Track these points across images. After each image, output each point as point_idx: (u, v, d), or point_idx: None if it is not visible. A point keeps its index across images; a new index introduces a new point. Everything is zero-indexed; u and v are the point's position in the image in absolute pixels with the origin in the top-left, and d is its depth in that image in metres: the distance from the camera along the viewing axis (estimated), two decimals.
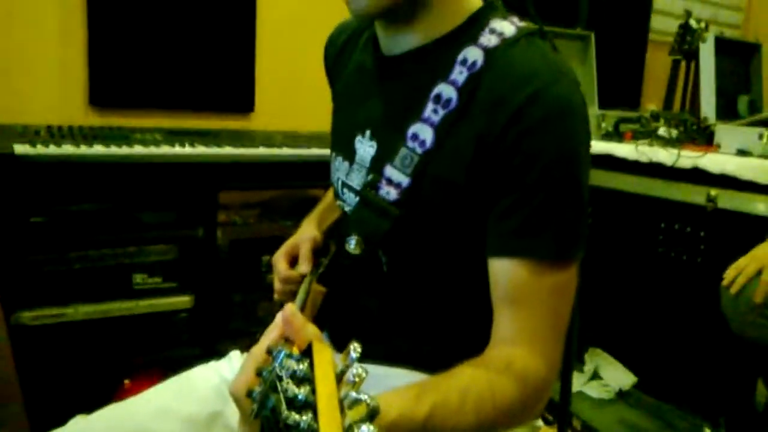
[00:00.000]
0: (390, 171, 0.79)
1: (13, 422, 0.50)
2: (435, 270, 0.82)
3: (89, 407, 0.92)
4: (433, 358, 0.76)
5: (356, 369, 0.44)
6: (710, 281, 2.06)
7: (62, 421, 0.89)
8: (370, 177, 0.83)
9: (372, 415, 0.40)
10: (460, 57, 0.77)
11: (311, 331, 0.62)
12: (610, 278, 2.18)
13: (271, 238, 1.94)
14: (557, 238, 0.73)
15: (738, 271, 1.57)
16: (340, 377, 0.45)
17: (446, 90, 0.76)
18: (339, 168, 0.92)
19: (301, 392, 0.42)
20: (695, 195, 2.06)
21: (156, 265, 1.80)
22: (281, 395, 0.43)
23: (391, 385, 0.67)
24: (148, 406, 0.90)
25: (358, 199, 0.85)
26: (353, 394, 0.41)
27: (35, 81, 1.98)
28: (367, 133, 0.86)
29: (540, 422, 0.91)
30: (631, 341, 2.25)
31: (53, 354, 1.68)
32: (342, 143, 0.91)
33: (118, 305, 1.76)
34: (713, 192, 2.00)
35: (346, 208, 0.90)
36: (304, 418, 0.39)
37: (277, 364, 0.46)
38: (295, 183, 2.02)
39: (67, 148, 1.64)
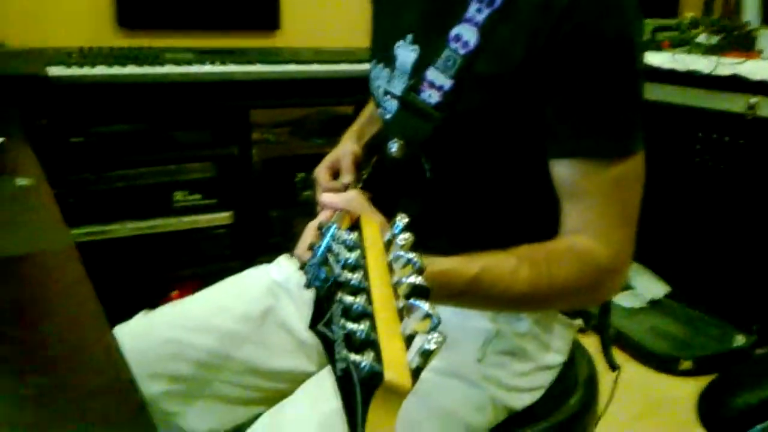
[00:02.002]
0: (432, 74, 0.79)
1: (92, 319, 0.54)
2: (478, 174, 0.83)
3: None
4: None
5: (403, 234, 0.47)
6: (748, 190, 2.04)
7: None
8: (411, 81, 0.83)
9: (420, 272, 0.43)
10: None
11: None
12: (645, 189, 2.16)
13: (303, 156, 1.95)
14: (615, 134, 0.73)
15: None
16: (388, 245, 0.47)
17: None
18: (379, 75, 0.91)
19: (352, 256, 0.45)
20: (734, 103, 2.01)
21: (195, 182, 1.83)
22: (333, 260, 0.45)
23: None
24: (206, 303, 0.95)
25: (399, 104, 0.85)
26: (401, 253, 0.43)
27: (63, 4, 1.98)
28: (409, 37, 0.85)
29: (578, 321, 0.93)
30: (665, 251, 2.26)
31: (102, 269, 1.74)
32: (382, 50, 0.90)
33: (161, 222, 1.81)
34: (753, 99, 1.95)
35: (387, 116, 0.91)
36: (356, 275, 0.42)
37: (328, 237, 0.49)
38: (325, 100, 2.01)
39: (101, 69, 1.65)
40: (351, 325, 0.38)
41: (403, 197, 0.92)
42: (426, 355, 0.36)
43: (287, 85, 1.87)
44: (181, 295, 1.79)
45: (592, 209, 0.74)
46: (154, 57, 1.80)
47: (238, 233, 1.90)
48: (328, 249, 0.49)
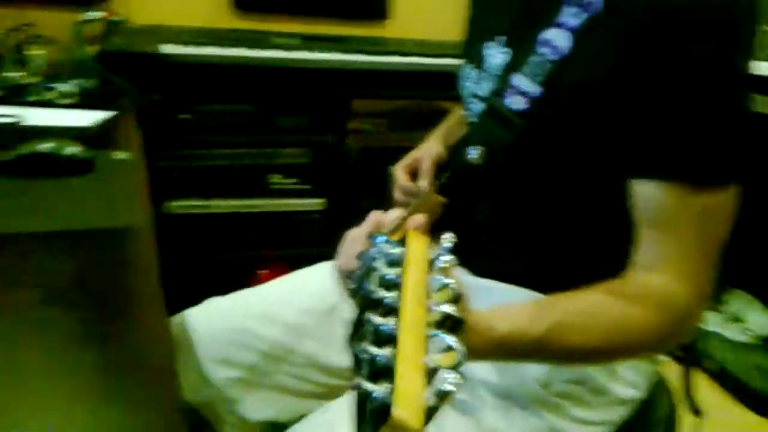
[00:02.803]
0: (518, 79, 0.75)
1: (148, 305, 0.56)
2: (559, 187, 0.79)
3: (227, 292, 0.99)
4: (545, 282, 0.74)
5: (446, 256, 0.45)
6: None
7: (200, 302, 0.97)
8: (497, 85, 0.80)
9: (456, 300, 0.40)
10: None
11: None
12: (762, 215, 1.99)
13: (397, 148, 1.94)
14: (713, 159, 0.66)
15: None
16: (431, 264, 0.46)
17: None
18: (468, 76, 0.89)
19: (392, 273, 0.44)
20: None
21: (291, 167, 1.87)
22: (374, 274, 0.44)
23: (494, 300, 0.66)
24: (274, 293, 0.96)
25: (481, 109, 0.82)
26: (439, 277, 0.42)
27: None
28: (499, 39, 0.82)
29: (663, 356, 0.87)
30: None
31: (197, 242, 1.83)
32: (473, 50, 0.88)
33: (256, 202, 1.86)
34: None
35: (472, 119, 0.88)
36: (391, 294, 0.41)
37: (374, 249, 0.48)
38: (425, 93, 1.99)
39: (210, 50, 1.71)
40: (374, 350, 0.37)
41: (480, 205, 0.89)
42: (442, 396, 0.34)
43: (389, 76, 1.86)
44: (269, 275, 1.86)
45: (674, 242, 0.67)
46: (262, 40, 1.85)
47: (328, 220, 1.92)
48: (374, 260, 0.47)
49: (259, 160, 1.85)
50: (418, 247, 0.49)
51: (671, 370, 0.92)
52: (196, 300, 0.99)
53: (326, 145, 1.89)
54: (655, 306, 0.67)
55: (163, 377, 0.46)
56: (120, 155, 1.02)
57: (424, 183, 1.01)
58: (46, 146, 0.92)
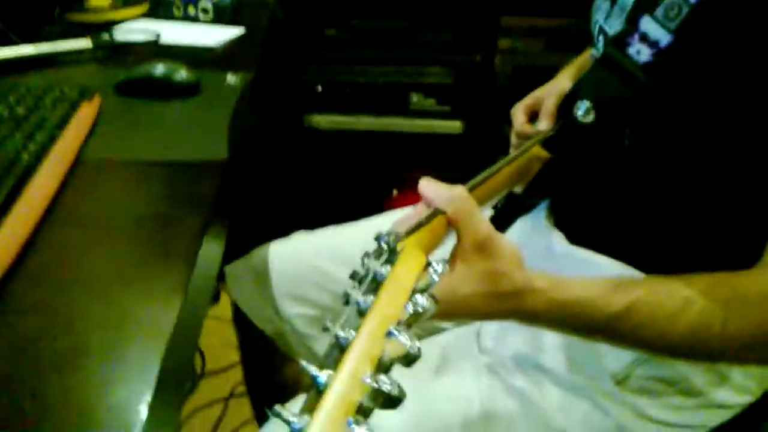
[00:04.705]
0: (647, 24, 0.63)
1: (183, 250, 0.54)
2: (687, 158, 0.66)
3: (360, 209, 0.99)
4: (654, 264, 0.64)
5: (422, 300, 0.37)
6: None
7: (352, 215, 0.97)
8: (622, 28, 0.67)
9: (410, 362, 0.33)
10: None
11: (478, 225, 0.54)
12: None
13: (552, 69, 1.78)
14: None
15: None
16: (411, 296, 0.38)
17: None
18: (599, 8, 0.77)
19: (366, 302, 0.36)
20: None
21: (432, 87, 1.80)
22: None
23: (594, 275, 0.58)
24: (358, 235, 0.93)
25: (598, 58, 0.70)
26: (396, 332, 0.33)
27: None
28: None
29: None
30: None
31: (335, 157, 1.86)
32: None
33: (395, 121, 1.83)
34: None
35: None
36: (348, 335, 0.34)
37: (365, 262, 0.41)
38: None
39: None
40: (292, 417, 0.29)
41: (592, 165, 0.79)
42: None
43: None
44: (400, 196, 1.84)
45: None
46: None
47: (466, 144, 1.84)
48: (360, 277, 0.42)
49: (401, 79, 1.80)
50: (405, 271, 0.40)
51: None
52: (327, 215, 1.00)
53: (473, 65, 1.77)
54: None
55: (148, 340, 0.46)
56: (231, 79, 1.02)
57: (543, 126, 0.90)
58: (159, 69, 0.95)
